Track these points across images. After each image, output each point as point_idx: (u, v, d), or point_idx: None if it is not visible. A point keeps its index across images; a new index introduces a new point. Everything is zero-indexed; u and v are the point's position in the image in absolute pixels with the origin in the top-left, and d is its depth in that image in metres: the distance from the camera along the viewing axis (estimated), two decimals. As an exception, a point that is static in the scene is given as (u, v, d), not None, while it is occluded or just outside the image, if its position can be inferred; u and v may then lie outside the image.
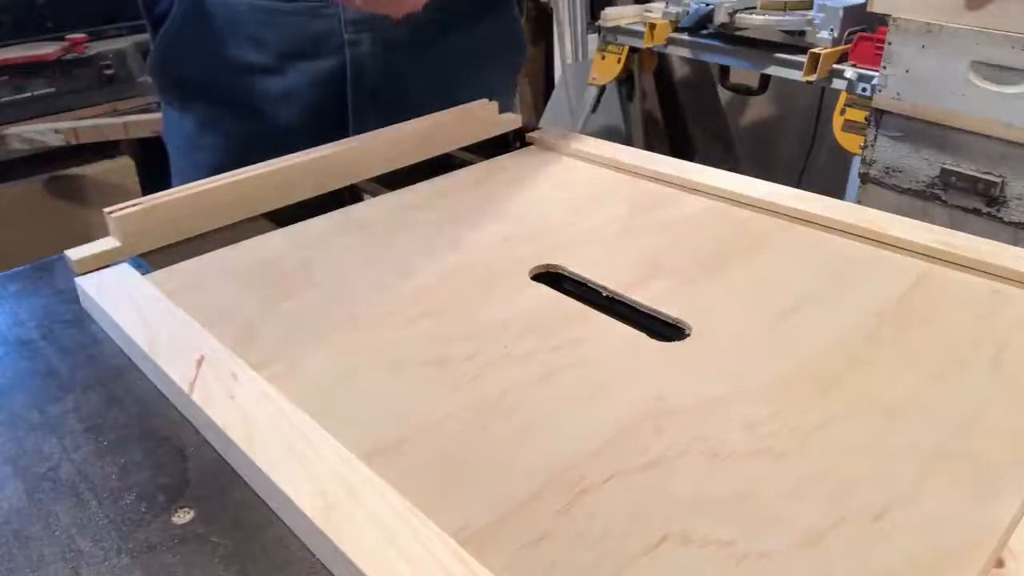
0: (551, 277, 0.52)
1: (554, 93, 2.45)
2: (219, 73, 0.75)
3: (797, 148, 2.32)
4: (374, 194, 0.63)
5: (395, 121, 0.79)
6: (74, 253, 0.52)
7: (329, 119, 0.77)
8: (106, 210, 0.53)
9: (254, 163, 0.75)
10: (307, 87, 0.76)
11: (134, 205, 0.54)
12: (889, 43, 1.34)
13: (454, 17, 0.80)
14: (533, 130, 0.74)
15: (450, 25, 0.79)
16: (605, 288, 0.50)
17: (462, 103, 0.71)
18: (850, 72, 1.54)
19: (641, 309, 0.48)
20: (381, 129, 0.67)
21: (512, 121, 0.73)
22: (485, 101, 0.72)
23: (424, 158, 0.68)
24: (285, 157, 0.61)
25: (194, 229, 0.56)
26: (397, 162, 0.67)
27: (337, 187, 0.63)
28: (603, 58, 2.06)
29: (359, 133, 0.78)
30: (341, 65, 0.75)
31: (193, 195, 0.56)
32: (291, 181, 0.60)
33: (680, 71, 2.35)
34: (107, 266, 0.52)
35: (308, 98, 0.76)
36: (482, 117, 0.72)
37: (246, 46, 0.74)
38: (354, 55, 0.75)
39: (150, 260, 0.53)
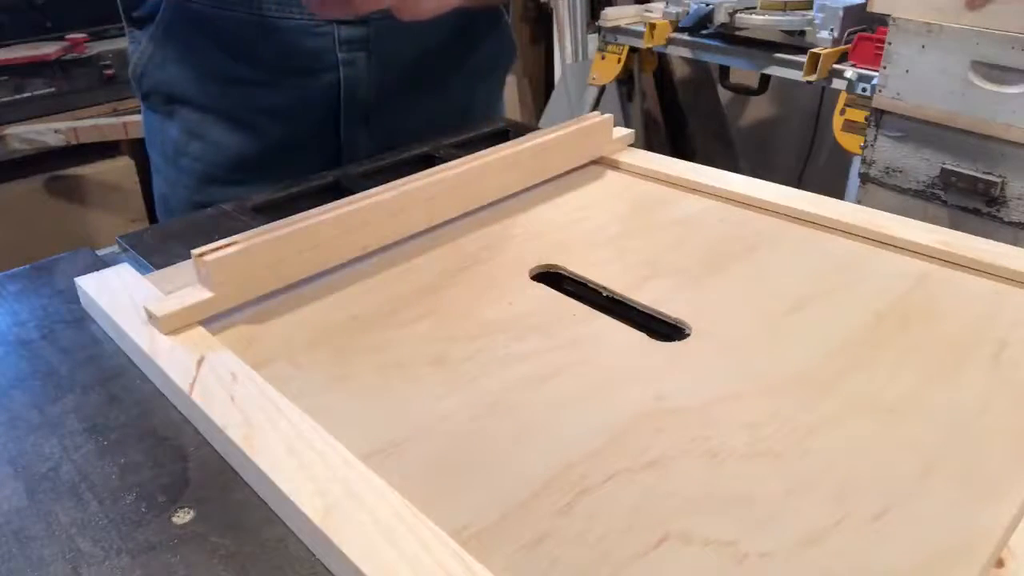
0: (551, 277, 0.52)
1: (554, 93, 2.45)
2: (207, 83, 0.74)
3: (797, 148, 2.33)
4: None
5: (386, 135, 0.78)
6: (158, 308, 0.44)
7: (320, 133, 0.76)
8: (194, 252, 0.46)
9: (244, 173, 0.73)
10: (299, 103, 0.74)
11: (228, 245, 0.46)
12: (889, 43, 1.34)
13: (454, 33, 0.80)
14: (534, 130, 0.74)
15: (450, 41, 0.79)
16: (605, 288, 0.50)
17: (454, 111, 0.70)
18: (850, 72, 1.54)
19: (641, 309, 0.48)
20: (491, 152, 0.60)
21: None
22: (598, 114, 0.68)
23: (536, 181, 0.64)
24: (391, 186, 0.54)
25: (297, 273, 0.50)
26: (511, 187, 0.62)
27: (449, 217, 0.58)
28: (603, 58, 2.06)
29: (350, 147, 0.77)
30: (334, 83, 0.74)
31: (298, 231, 0.49)
32: (403, 210, 0.54)
33: (680, 71, 2.35)
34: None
35: (300, 113, 0.75)
36: (598, 135, 0.67)
37: (237, 59, 0.72)
38: (348, 74, 0.74)
39: (150, 260, 0.53)
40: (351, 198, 0.53)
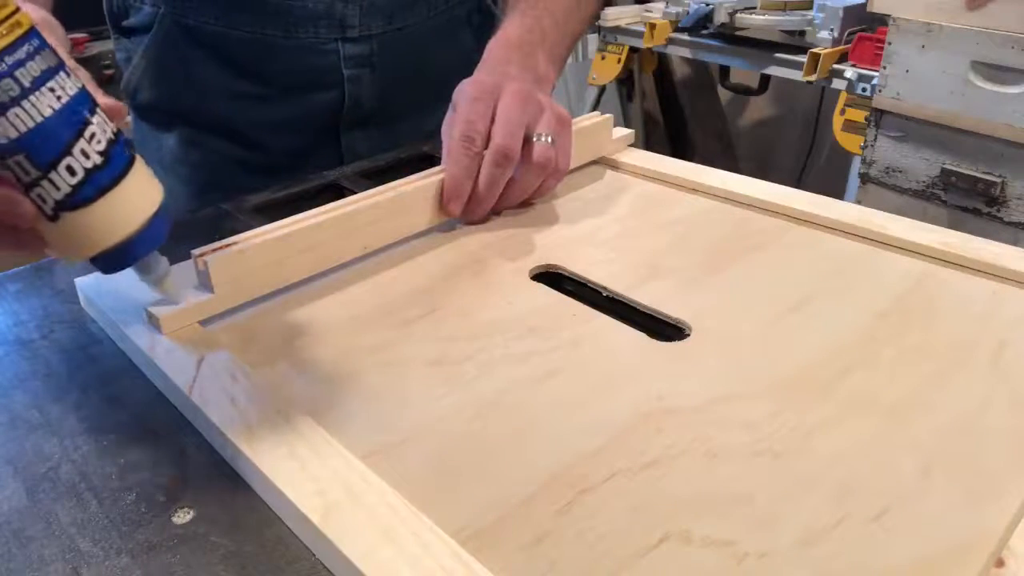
0: (551, 277, 0.52)
1: (554, 93, 2.45)
2: (207, 99, 0.73)
3: (797, 148, 2.33)
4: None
5: (384, 136, 0.78)
6: (158, 309, 0.44)
7: (322, 141, 0.76)
8: (194, 252, 0.46)
9: (244, 180, 0.72)
10: (302, 116, 0.74)
11: (228, 245, 0.46)
12: (889, 43, 1.34)
13: (455, 42, 0.80)
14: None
15: (451, 50, 0.79)
16: (605, 288, 0.50)
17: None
18: (850, 72, 1.54)
19: (641, 309, 0.48)
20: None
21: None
22: (598, 114, 0.68)
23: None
24: (391, 186, 0.55)
25: (297, 273, 0.50)
26: None
27: (449, 217, 0.57)
28: (603, 58, 2.06)
29: (350, 152, 0.77)
30: (338, 97, 0.74)
31: (298, 231, 0.49)
32: (403, 210, 0.54)
33: (680, 71, 2.35)
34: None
35: (300, 126, 0.75)
36: (598, 135, 0.68)
37: (239, 76, 0.72)
38: (352, 89, 0.74)
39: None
40: (351, 198, 0.53)
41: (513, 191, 0.57)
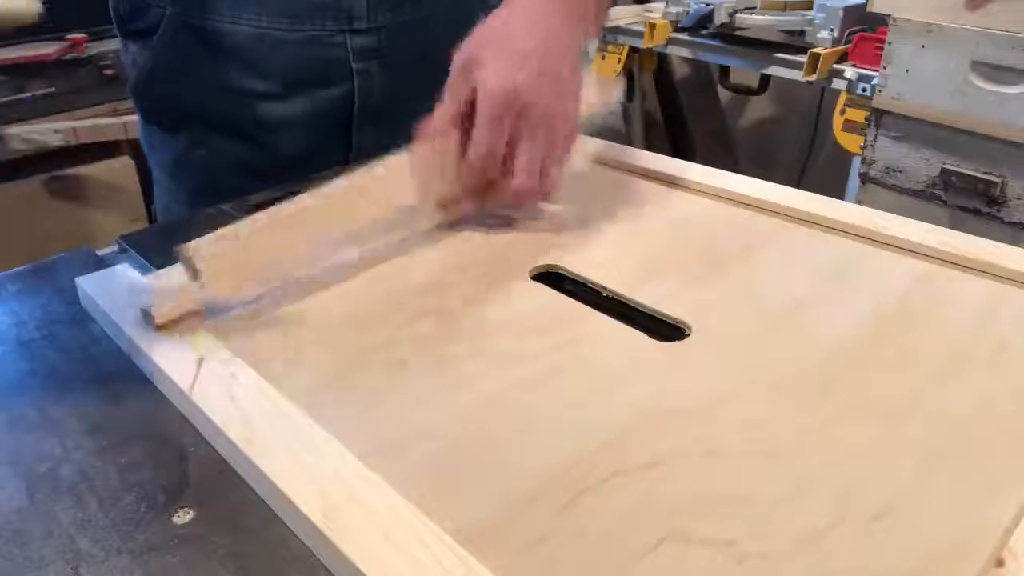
0: (551, 277, 0.52)
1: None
2: (215, 98, 0.73)
3: (797, 148, 2.32)
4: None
5: (395, 132, 0.78)
6: (157, 308, 0.45)
7: (332, 140, 0.76)
8: (186, 247, 0.45)
9: (252, 182, 0.72)
10: (311, 113, 0.74)
11: (223, 238, 0.46)
12: (889, 43, 1.34)
13: (464, 33, 0.80)
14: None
15: (455, 40, 0.79)
16: (605, 288, 0.50)
17: None
18: (850, 72, 1.54)
19: (641, 309, 0.48)
20: None
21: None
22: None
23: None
24: (379, 163, 0.55)
25: (294, 250, 0.50)
26: None
27: (436, 193, 0.57)
28: (603, 58, 2.06)
29: (361, 151, 0.77)
30: (348, 92, 0.74)
31: (285, 216, 0.48)
32: (398, 190, 0.55)
33: (680, 71, 2.35)
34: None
35: (311, 123, 0.74)
36: None
37: (246, 72, 0.71)
38: (362, 83, 0.74)
39: (150, 260, 0.53)
40: (338, 179, 0.52)
41: (507, 197, 0.56)
